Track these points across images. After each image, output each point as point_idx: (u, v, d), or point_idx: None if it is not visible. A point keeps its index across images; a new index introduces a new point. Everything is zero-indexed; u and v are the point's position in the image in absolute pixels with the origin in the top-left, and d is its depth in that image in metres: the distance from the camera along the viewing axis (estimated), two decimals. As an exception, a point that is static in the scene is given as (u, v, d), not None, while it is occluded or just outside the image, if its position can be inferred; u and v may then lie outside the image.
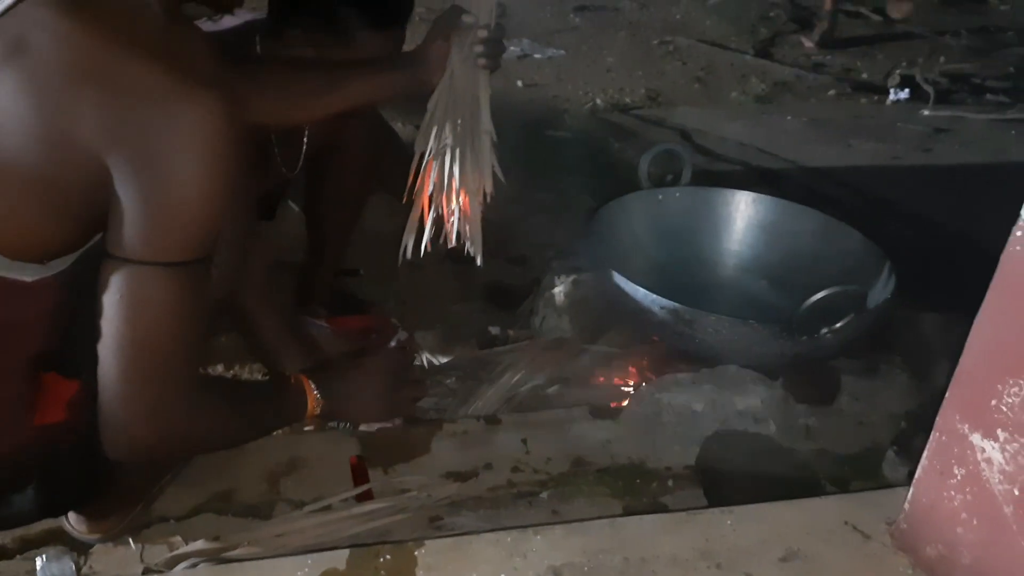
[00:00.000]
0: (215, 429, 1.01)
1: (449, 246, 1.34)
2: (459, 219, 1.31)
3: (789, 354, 1.59)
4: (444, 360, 1.86)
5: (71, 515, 1.19)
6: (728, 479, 1.43)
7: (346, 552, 1.10)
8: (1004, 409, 0.93)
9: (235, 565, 1.12)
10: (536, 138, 2.98)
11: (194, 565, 1.15)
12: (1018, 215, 0.91)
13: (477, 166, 1.29)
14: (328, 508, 1.28)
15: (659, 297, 1.62)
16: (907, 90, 3.54)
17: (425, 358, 1.94)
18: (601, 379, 1.68)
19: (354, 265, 2.14)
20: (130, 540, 1.20)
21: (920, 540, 1.07)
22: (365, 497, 1.30)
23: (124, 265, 0.83)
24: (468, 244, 1.34)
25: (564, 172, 2.67)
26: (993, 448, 0.95)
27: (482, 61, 1.25)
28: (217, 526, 1.25)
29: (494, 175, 1.31)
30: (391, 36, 1.47)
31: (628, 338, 1.79)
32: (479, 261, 1.34)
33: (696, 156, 2.73)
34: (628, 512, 1.34)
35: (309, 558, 1.08)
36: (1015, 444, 0.92)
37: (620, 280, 1.68)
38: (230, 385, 1.05)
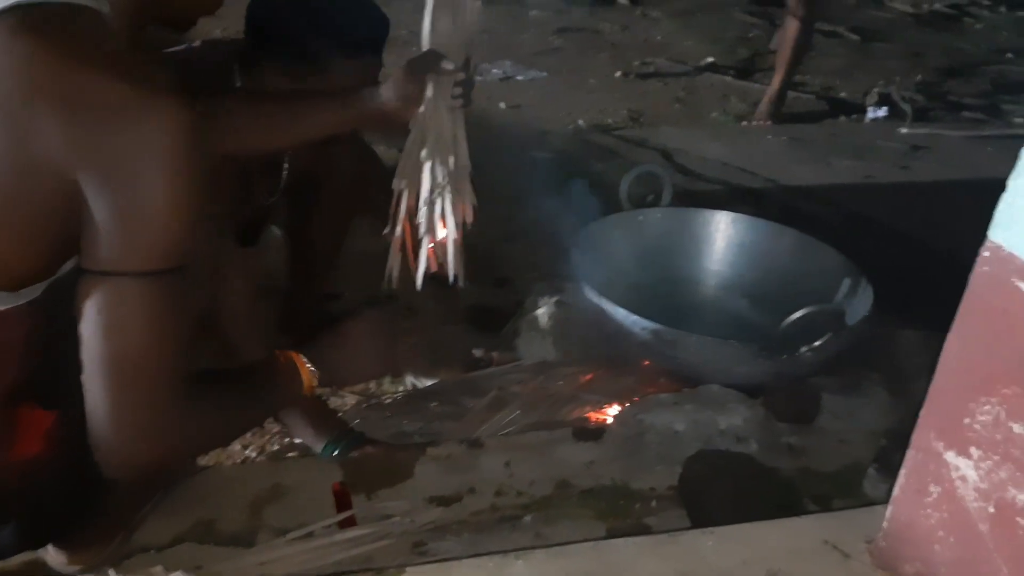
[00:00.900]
0: (211, 430, 1.00)
1: (431, 271, 1.35)
2: (441, 249, 1.32)
3: (770, 373, 1.61)
4: (428, 383, 1.86)
5: (51, 547, 1.18)
6: (711, 499, 1.44)
7: (329, 579, 1.10)
8: (977, 427, 0.94)
9: (217, 594, 1.12)
10: (519, 160, 2.99)
11: (176, 595, 1.14)
12: (985, 236, 0.92)
13: (459, 199, 1.31)
14: (311, 535, 1.27)
15: (640, 318, 1.63)
16: (885, 108, 3.59)
17: (409, 382, 1.94)
18: (585, 402, 1.69)
19: (336, 288, 2.14)
20: (111, 571, 1.19)
21: (899, 558, 1.08)
22: (348, 524, 1.30)
23: (101, 279, 0.83)
24: (451, 271, 1.35)
25: (547, 193, 2.69)
26: (967, 466, 0.96)
27: (458, 102, 1.27)
28: (199, 555, 1.24)
29: (472, 206, 1.33)
30: (367, 64, 1.48)
31: (611, 358, 1.80)
32: (461, 284, 1.35)
33: (677, 176, 2.75)
34: (612, 534, 1.34)
35: (292, 586, 1.08)
36: (988, 462, 0.93)
37: (602, 301, 1.69)
38: (220, 382, 1.01)
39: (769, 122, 3.52)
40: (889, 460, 1.45)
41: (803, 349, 1.58)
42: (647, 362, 1.74)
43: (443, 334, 2.00)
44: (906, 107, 3.58)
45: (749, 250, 2.03)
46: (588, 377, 1.73)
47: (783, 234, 2.00)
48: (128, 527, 1.25)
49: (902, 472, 1.07)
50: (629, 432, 1.55)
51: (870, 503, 1.39)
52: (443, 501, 1.38)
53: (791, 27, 3.46)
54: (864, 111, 3.63)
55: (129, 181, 0.81)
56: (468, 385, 1.77)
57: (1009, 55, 4.61)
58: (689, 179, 2.80)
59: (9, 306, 0.89)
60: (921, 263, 2.28)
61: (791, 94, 3.91)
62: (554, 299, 1.97)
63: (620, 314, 1.65)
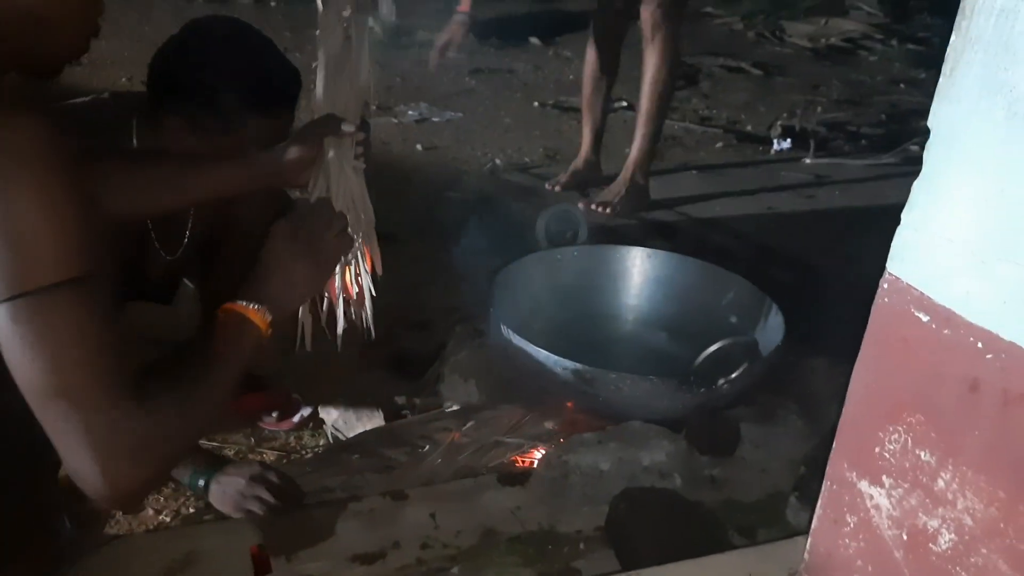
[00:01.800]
0: (189, 416, 0.93)
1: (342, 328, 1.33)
2: (352, 303, 1.31)
3: (689, 406, 1.62)
4: (350, 436, 1.82)
5: None
6: (638, 538, 1.44)
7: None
8: (887, 456, 0.96)
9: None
10: (436, 201, 2.99)
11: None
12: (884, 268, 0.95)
13: (367, 253, 1.30)
14: (229, 604, 1.22)
15: (560, 358, 1.63)
16: (789, 140, 3.71)
17: (330, 433, 1.90)
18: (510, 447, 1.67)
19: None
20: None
21: (821, 588, 1.09)
22: (268, 588, 1.25)
23: (9, 304, 0.80)
24: (369, 326, 1.34)
25: (465, 234, 2.69)
26: (880, 494, 0.98)
27: (360, 161, 1.27)
28: (109, 633, 1.18)
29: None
30: (278, 120, 1.46)
31: (534, 400, 1.79)
32: (373, 335, 1.33)
33: (591, 214, 2.78)
34: (540, 581, 1.33)
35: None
36: (899, 489, 0.95)
37: (521, 342, 1.69)
38: (176, 367, 0.96)
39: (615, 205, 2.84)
40: (808, 488, 1.48)
41: (720, 381, 1.60)
42: (569, 401, 1.74)
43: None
44: (808, 138, 3.70)
45: (665, 284, 2.06)
46: (512, 421, 1.72)
47: (696, 267, 2.03)
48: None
49: (819, 503, 1.08)
50: (554, 474, 1.54)
51: (793, 532, 1.40)
52: (367, 559, 1.34)
53: (653, 64, 2.82)
54: (770, 143, 3.75)
55: None
56: (390, 435, 1.74)
57: (902, 85, 4.83)
58: (605, 216, 2.83)
59: None
60: (828, 290, 2.35)
61: (698, 129, 4.02)
62: (476, 341, 1.96)
63: (541, 354, 1.65)
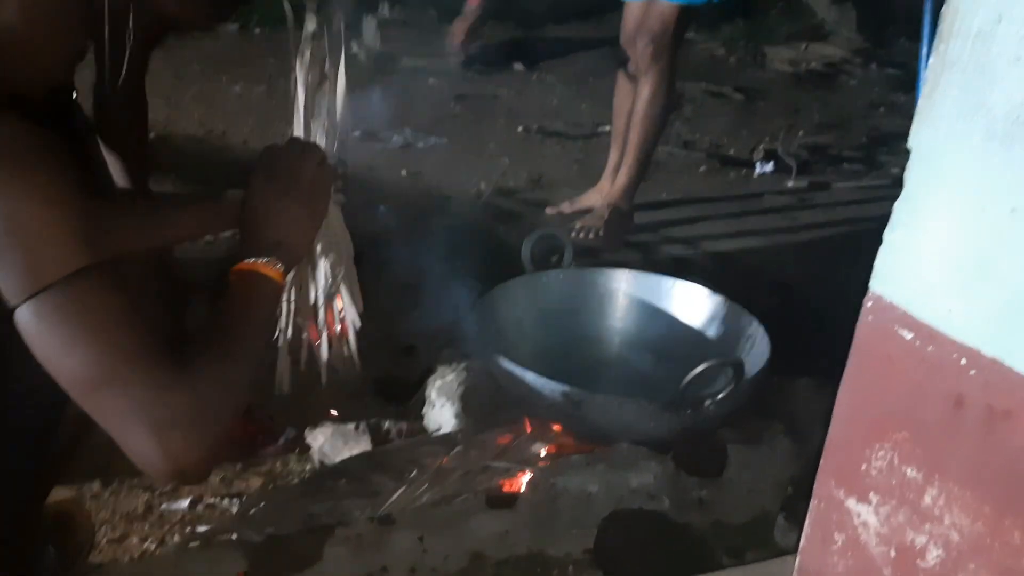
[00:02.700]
0: (230, 378, 0.92)
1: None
2: (335, 340, 1.32)
3: (676, 428, 1.63)
4: (337, 460, 1.81)
5: None
6: (627, 560, 1.43)
7: None
8: (873, 473, 0.97)
9: None
10: (421, 226, 3.00)
11: None
12: (867, 287, 0.96)
13: (349, 291, 1.30)
14: (215, 631, 1.21)
15: (548, 380, 1.63)
16: (771, 163, 3.74)
17: (316, 459, 1.89)
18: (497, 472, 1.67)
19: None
20: None
21: (811, 608, 1.09)
22: (254, 615, 1.24)
23: (30, 306, 0.81)
24: (355, 360, 1.35)
25: (450, 259, 2.70)
26: (868, 512, 0.98)
27: (340, 196, 1.27)
28: (93, 663, 1.17)
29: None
30: None
31: (521, 423, 1.79)
32: (358, 367, 1.34)
33: (576, 238, 2.79)
34: (529, 604, 1.32)
35: None
36: (886, 507, 0.96)
37: (508, 365, 1.69)
38: (205, 336, 0.95)
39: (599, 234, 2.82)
40: (796, 508, 1.48)
41: (707, 402, 1.60)
42: (557, 424, 1.74)
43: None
44: (791, 161, 3.74)
45: (650, 306, 2.07)
46: (500, 446, 1.72)
47: (681, 289, 2.04)
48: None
49: (807, 521, 1.09)
50: (543, 497, 1.54)
51: (781, 553, 1.41)
52: (354, 584, 1.33)
53: (645, 96, 2.81)
54: (752, 166, 3.78)
55: None
56: (377, 460, 1.73)
57: (882, 109, 4.89)
58: (589, 239, 2.84)
59: None
60: (812, 311, 2.37)
61: (681, 153, 4.05)
62: (462, 365, 1.96)
63: (528, 377, 1.65)
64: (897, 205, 0.91)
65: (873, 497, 0.97)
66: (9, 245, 0.81)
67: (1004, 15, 0.78)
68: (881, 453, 0.96)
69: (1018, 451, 0.82)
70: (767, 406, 1.77)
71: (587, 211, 3.01)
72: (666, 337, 2.02)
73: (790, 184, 3.57)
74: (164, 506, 1.71)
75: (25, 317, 0.82)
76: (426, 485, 1.60)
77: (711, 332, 1.95)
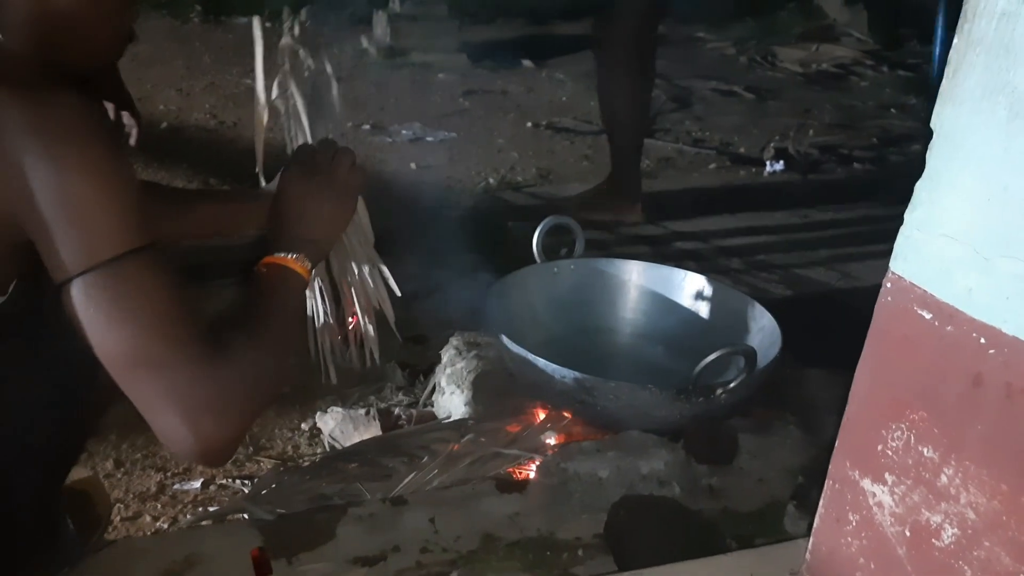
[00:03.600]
0: (260, 366, 0.94)
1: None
2: (360, 329, 1.35)
3: (688, 416, 1.63)
4: (347, 445, 1.82)
5: None
6: (637, 545, 1.44)
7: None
8: (889, 453, 0.97)
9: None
10: (431, 218, 3.01)
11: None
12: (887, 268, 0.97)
13: (376, 291, 1.37)
14: (229, 605, 1.22)
15: (559, 367, 1.63)
16: (781, 162, 3.75)
17: (327, 442, 1.90)
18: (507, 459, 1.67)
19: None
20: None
21: (823, 589, 1.10)
22: (268, 590, 1.25)
23: (80, 283, 0.83)
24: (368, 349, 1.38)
25: (460, 250, 2.70)
26: (883, 492, 0.99)
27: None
28: (108, 633, 1.17)
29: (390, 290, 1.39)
30: None
31: (532, 410, 1.80)
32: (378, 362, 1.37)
33: (588, 229, 2.80)
34: (540, 585, 1.33)
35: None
36: (902, 486, 0.96)
37: (520, 351, 1.69)
38: (236, 325, 0.96)
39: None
40: (807, 497, 1.49)
41: (718, 391, 1.61)
42: (568, 411, 1.74)
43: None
44: (800, 160, 3.74)
45: (661, 297, 2.07)
46: (510, 433, 1.72)
47: (693, 281, 2.04)
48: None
49: (821, 502, 1.09)
50: (553, 481, 1.54)
51: (792, 539, 1.41)
52: (367, 561, 1.34)
53: (624, 86, 2.86)
54: (763, 165, 3.78)
55: (54, 184, 0.82)
56: (388, 445, 1.74)
57: (892, 111, 4.89)
58: (600, 231, 2.85)
59: None
60: (823, 304, 2.37)
61: (691, 150, 4.05)
62: (472, 353, 1.97)
63: (540, 363, 1.66)
64: (919, 184, 0.91)
65: (888, 477, 0.98)
66: (68, 220, 0.83)
67: (1030, -6, 0.79)
68: (897, 433, 0.96)
69: (1037, 429, 0.83)
70: (778, 396, 1.77)
71: None
72: (677, 328, 2.02)
73: (800, 182, 3.57)
74: (177, 486, 1.72)
75: (75, 292, 0.83)
76: (436, 471, 1.60)
77: (723, 323, 1.95)
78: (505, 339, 1.72)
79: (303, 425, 1.96)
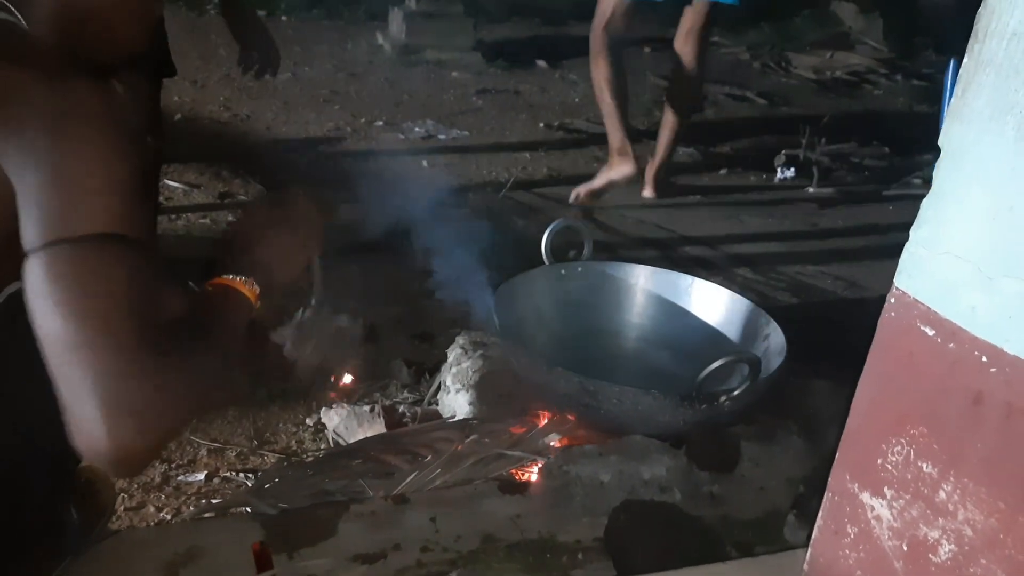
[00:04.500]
0: (191, 383, 0.91)
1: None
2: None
3: (691, 422, 1.63)
4: (351, 441, 1.83)
5: None
6: (637, 550, 1.44)
7: (248, 643, 1.06)
8: (889, 467, 0.98)
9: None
10: (442, 216, 3.01)
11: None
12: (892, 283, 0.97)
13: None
14: (230, 598, 1.23)
15: (564, 370, 1.64)
16: (792, 169, 3.74)
17: (331, 438, 1.91)
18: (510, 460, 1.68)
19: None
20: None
21: (820, 600, 1.10)
22: (269, 585, 1.26)
23: (43, 253, 0.82)
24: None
25: (469, 249, 2.71)
26: (882, 505, 0.99)
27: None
28: (109, 623, 1.19)
29: None
30: None
31: (536, 412, 1.80)
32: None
33: (596, 232, 2.81)
34: (539, 587, 1.34)
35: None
36: (901, 501, 0.97)
37: (525, 354, 1.70)
38: (175, 336, 0.95)
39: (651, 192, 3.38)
40: (807, 506, 1.49)
41: (722, 398, 1.61)
42: (572, 414, 1.75)
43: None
44: (812, 167, 3.74)
45: (668, 302, 2.07)
46: (514, 434, 1.73)
47: (700, 287, 2.05)
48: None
49: (820, 514, 1.10)
50: (555, 484, 1.55)
51: (790, 549, 1.41)
52: (367, 559, 1.35)
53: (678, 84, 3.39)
54: (774, 171, 3.78)
55: (42, 151, 0.84)
56: (391, 442, 1.75)
57: (906, 120, 4.88)
58: (608, 234, 2.86)
59: None
60: (830, 313, 2.37)
61: (702, 155, 4.05)
62: (478, 353, 1.98)
63: (544, 366, 1.66)
64: (925, 202, 0.92)
65: (887, 491, 0.98)
66: (53, 187, 0.83)
67: (1041, 16, 0.79)
68: (898, 448, 0.97)
69: (1036, 448, 0.83)
70: (781, 405, 1.78)
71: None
72: (683, 334, 2.03)
73: (811, 190, 3.57)
74: (181, 478, 1.74)
75: (33, 263, 0.82)
76: (439, 470, 1.61)
77: (729, 330, 1.95)
78: (511, 341, 1.73)
79: (308, 420, 1.97)
